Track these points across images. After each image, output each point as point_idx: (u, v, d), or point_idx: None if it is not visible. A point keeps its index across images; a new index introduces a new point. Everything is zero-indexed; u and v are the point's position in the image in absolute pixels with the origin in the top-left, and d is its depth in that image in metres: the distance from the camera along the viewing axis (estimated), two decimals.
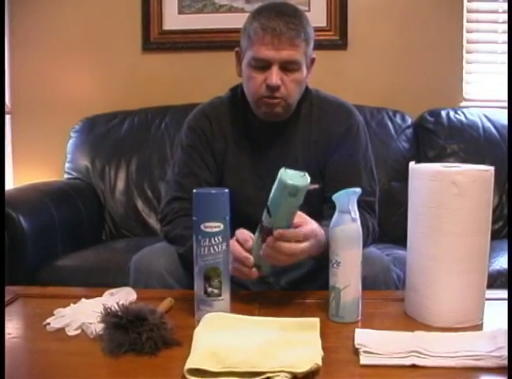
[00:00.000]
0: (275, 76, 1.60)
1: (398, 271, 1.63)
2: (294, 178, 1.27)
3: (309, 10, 2.98)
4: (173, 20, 3.13)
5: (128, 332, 1.13)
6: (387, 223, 1.75)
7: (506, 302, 1.41)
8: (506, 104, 2.94)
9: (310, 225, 1.39)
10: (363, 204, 1.67)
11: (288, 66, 1.62)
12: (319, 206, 1.65)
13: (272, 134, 1.74)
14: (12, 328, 1.27)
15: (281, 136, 1.74)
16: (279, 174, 1.29)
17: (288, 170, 1.29)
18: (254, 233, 1.40)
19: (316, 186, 1.66)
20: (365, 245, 1.61)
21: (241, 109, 1.78)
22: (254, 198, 1.64)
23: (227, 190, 1.30)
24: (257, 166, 1.73)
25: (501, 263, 2.14)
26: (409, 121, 2.90)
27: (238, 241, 1.39)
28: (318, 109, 1.76)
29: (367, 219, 1.66)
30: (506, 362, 1.04)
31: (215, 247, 1.27)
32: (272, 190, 1.30)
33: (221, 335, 1.15)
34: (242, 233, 1.39)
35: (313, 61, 1.72)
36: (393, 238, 1.81)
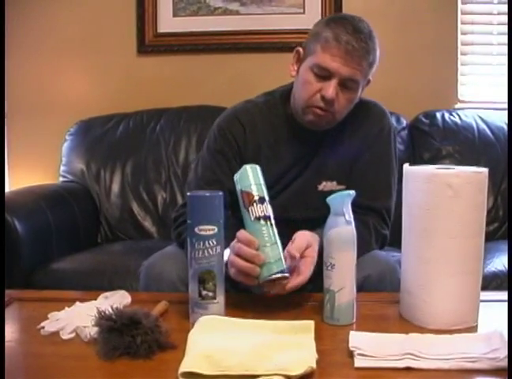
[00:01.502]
0: (332, 89, 1.58)
1: None
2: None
3: (303, 13, 2.99)
4: (168, 22, 3.13)
5: (122, 336, 1.12)
6: None
7: (501, 303, 1.41)
8: (500, 106, 2.96)
9: (298, 241, 1.42)
10: (384, 213, 1.69)
11: (347, 83, 1.60)
12: None
13: (308, 139, 1.73)
14: (6, 332, 1.26)
15: (316, 139, 1.73)
16: (250, 170, 1.39)
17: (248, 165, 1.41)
18: None
19: (343, 187, 1.67)
20: (372, 248, 1.62)
21: (278, 114, 1.76)
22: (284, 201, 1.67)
23: (221, 193, 1.31)
24: (290, 170, 1.72)
25: (496, 265, 2.14)
26: (404, 123, 2.90)
27: (241, 242, 1.36)
28: (352, 109, 1.73)
29: (382, 229, 1.69)
30: (500, 364, 1.04)
31: (209, 250, 1.27)
32: (256, 182, 1.37)
33: (216, 338, 1.15)
34: (243, 234, 1.36)
35: (368, 82, 1.71)
36: (388, 240, 1.82)
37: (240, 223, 1.46)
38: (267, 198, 1.37)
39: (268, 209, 1.36)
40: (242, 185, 1.37)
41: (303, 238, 1.43)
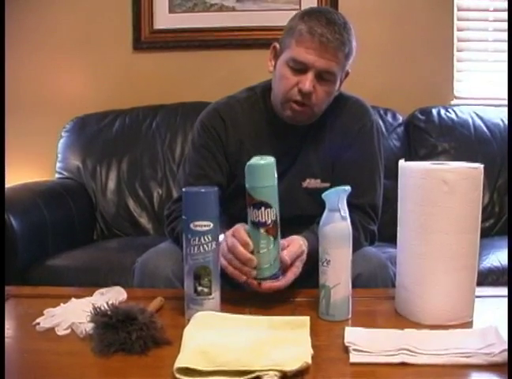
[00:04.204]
0: (309, 82, 1.57)
1: (394, 268, 1.63)
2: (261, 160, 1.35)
3: (300, 9, 2.97)
4: (164, 19, 3.13)
5: (118, 332, 1.13)
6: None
7: (497, 299, 1.42)
8: (496, 102, 2.97)
9: (293, 246, 1.42)
10: (368, 209, 1.68)
11: (323, 76, 1.59)
12: None
13: (290, 134, 1.72)
14: None
15: (298, 135, 1.73)
16: (249, 168, 1.34)
17: (251, 162, 1.34)
18: None
19: (327, 185, 1.66)
20: (361, 246, 1.62)
21: (260, 110, 1.76)
22: None
23: (216, 189, 1.31)
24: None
25: (492, 260, 2.14)
26: (400, 119, 2.91)
27: (234, 236, 1.37)
28: (333, 105, 1.73)
29: (369, 224, 1.69)
30: (495, 359, 1.05)
31: (204, 246, 1.26)
32: (253, 185, 1.33)
33: (211, 334, 1.15)
34: (240, 233, 1.37)
35: (347, 74, 1.70)
36: (384, 236, 1.82)
37: (232, 221, 1.46)
38: (270, 201, 1.32)
39: (264, 215, 1.33)
40: (246, 182, 1.35)
41: (297, 243, 1.44)
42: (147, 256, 1.65)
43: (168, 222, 1.73)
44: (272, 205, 1.33)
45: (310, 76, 1.58)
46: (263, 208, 1.32)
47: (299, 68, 1.59)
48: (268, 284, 1.37)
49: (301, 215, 1.63)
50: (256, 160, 1.34)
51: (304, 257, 1.44)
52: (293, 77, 1.61)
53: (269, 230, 1.34)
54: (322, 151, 1.73)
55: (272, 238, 1.35)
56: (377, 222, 1.73)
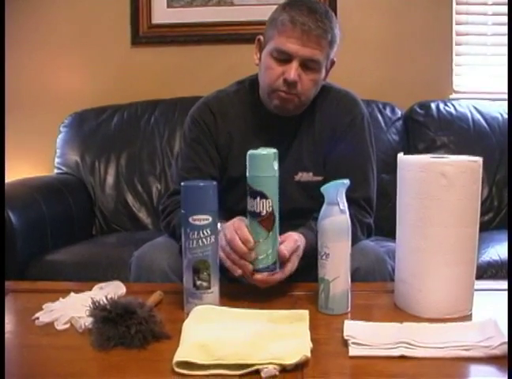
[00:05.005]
0: (294, 71, 1.58)
1: (392, 262, 1.63)
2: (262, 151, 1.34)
3: None
4: (162, 13, 3.12)
5: (117, 326, 1.13)
6: (377, 215, 1.75)
7: (496, 292, 1.43)
8: (495, 96, 2.96)
9: (289, 242, 1.42)
10: (362, 202, 1.68)
11: (308, 64, 1.60)
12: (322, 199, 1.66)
13: (279, 127, 1.73)
14: None
15: (288, 129, 1.73)
16: (249, 157, 1.33)
17: (251, 151, 1.34)
18: None
19: (320, 178, 1.66)
20: (359, 239, 1.62)
21: (249, 103, 1.77)
22: None
23: (215, 183, 1.31)
24: None
25: (490, 254, 2.14)
26: (399, 113, 2.90)
27: (236, 232, 1.37)
28: (323, 99, 1.74)
29: (364, 217, 1.69)
30: (494, 352, 1.05)
31: (203, 240, 1.27)
32: (251, 174, 1.33)
33: (210, 327, 1.15)
34: (242, 230, 1.37)
35: (332, 63, 1.71)
36: (383, 230, 1.82)
37: (227, 214, 1.46)
38: (266, 192, 1.32)
39: (260, 206, 1.32)
40: (247, 171, 1.35)
41: (293, 239, 1.43)
42: (143, 250, 1.65)
43: (164, 216, 1.73)
44: (268, 196, 1.32)
45: (294, 65, 1.59)
46: (259, 198, 1.32)
47: (283, 58, 1.60)
48: (262, 276, 1.37)
49: (294, 209, 1.62)
50: (258, 150, 1.34)
51: (300, 252, 1.45)
52: (278, 68, 1.61)
53: (263, 221, 1.34)
54: (313, 145, 1.73)
55: (266, 230, 1.34)
56: (372, 215, 1.73)
